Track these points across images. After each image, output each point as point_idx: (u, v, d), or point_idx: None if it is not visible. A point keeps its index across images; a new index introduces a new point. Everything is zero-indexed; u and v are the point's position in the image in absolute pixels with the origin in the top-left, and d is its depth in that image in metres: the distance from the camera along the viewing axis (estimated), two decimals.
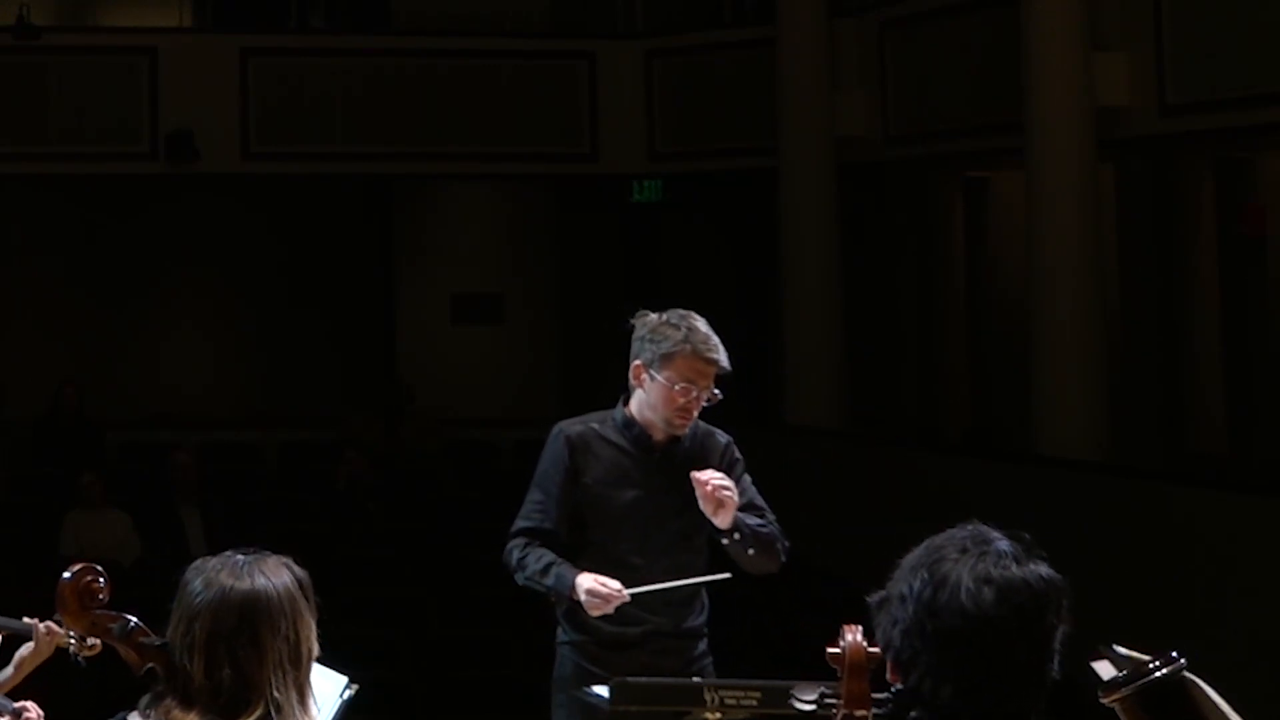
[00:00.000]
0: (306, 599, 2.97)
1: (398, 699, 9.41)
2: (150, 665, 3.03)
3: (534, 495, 5.14)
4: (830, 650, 2.65)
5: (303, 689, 2.94)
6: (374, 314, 16.33)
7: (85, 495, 11.57)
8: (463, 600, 10.87)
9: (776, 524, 5.07)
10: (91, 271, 15.87)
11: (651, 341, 4.99)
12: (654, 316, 5.06)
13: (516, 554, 5.07)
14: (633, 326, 5.07)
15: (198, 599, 2.92)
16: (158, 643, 3.02)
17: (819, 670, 2.77)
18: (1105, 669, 2.76)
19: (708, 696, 3.72)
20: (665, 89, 15.31)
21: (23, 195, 15.41)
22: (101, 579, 3.23)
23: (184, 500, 11.68)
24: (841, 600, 8.30)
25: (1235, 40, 11.03)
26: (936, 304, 14.99)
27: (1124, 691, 2.67)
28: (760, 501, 5.11)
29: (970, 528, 2.55)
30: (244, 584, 2.92)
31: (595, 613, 4.91)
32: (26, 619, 4.37)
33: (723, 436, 5.18)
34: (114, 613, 3.19)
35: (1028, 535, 2.54)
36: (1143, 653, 2.75)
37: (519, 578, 5.08)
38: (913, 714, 2.49)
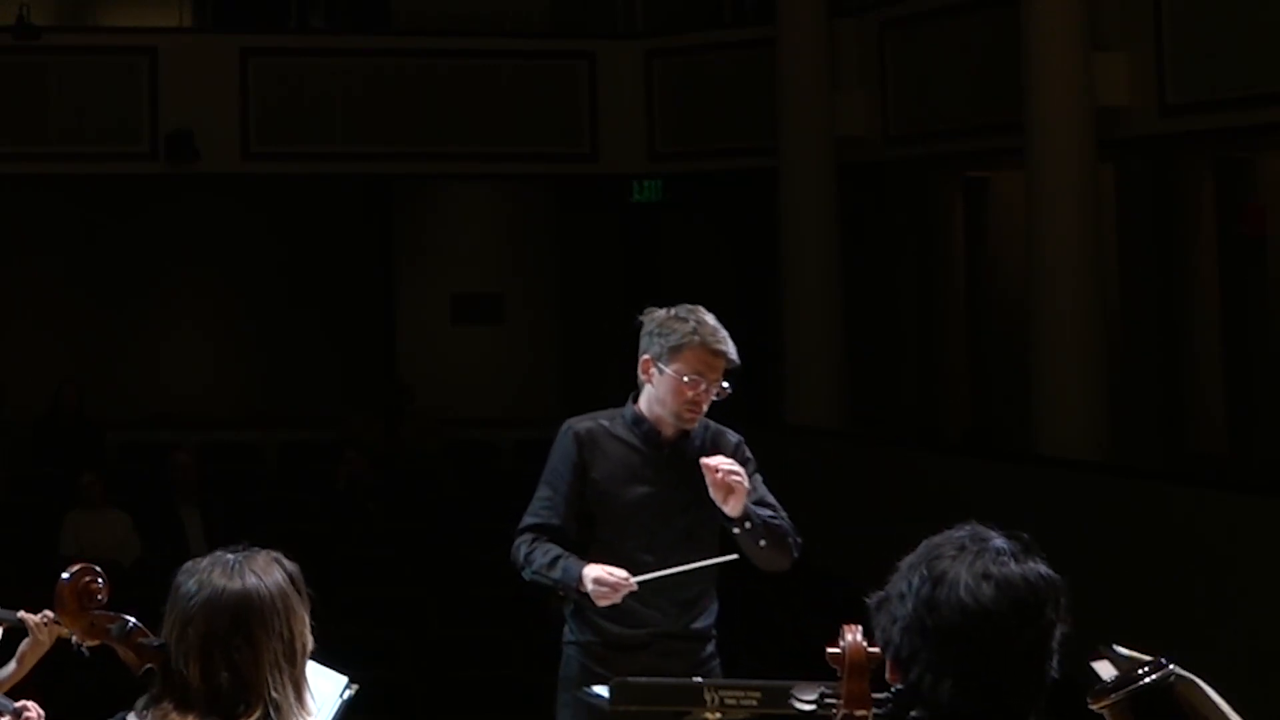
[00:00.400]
0: (299, 593, 2.97)
1: (398, 699, 9.40)
2: (149, 666, 3.03)
3: (542, 492, 5.13)
4: (830, 650, 2.65)
5: (299, 685, 2.94)
6: (374, 314, 16.32)
7: (85, 495, 11.57)
8: (463, 600, 10.87)
9: (789, 521, 5.04)
10: (91, 271, 15.87)
11: (660, 335, 4.99)
12: (661, 311, 5.06)
13: (524, 549, 5.06)
14: (640, 323, 5.07)
15: (191, 601, 2.92)
16: (156, 643, 3.02)
17: (819, 670, 2.77)
18: (1105, 669, 2.76)
19: (708, 696, 3.71)
20: (665, 89, 15.31)
21: (23, 195, 15.40)
22: (100, 579, 3.23)
23: (184, 500, 11.68)
24: (841, 600, 8.29)
25: (1235, 40, 11.03)
26: (936, 304, 14.98)
27: (1113, 698, 2.68)
28: (772, 500, 5.08)
29: (968, 528, 2.56)
30: (236, 585, 2.92)
31: (603, 602, 4.89)
32: (21, 613, 4.36)
33: (733, 436, 5.16)
34: (112, 613, 3.20)
35: (1026, 535, 2.55)
36: (1143, 653, 2.75)
37: (526, 573, 5.06)
38: (913, 713, 2.49)
